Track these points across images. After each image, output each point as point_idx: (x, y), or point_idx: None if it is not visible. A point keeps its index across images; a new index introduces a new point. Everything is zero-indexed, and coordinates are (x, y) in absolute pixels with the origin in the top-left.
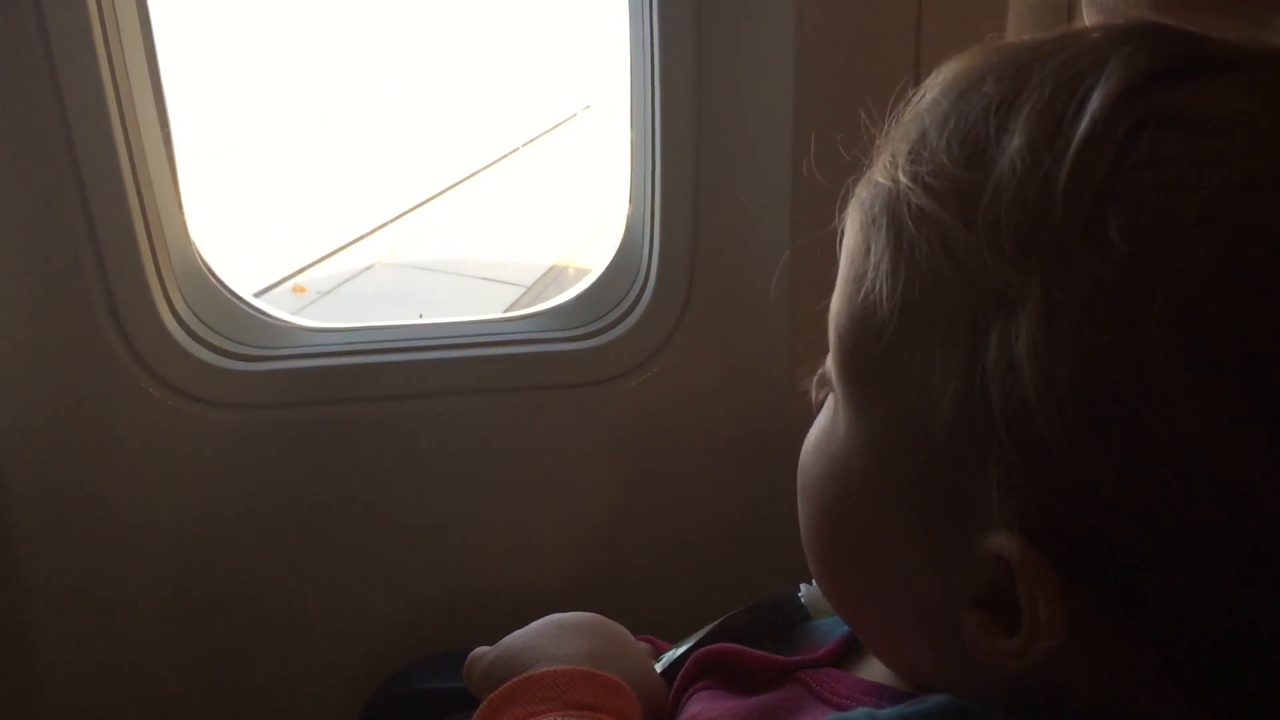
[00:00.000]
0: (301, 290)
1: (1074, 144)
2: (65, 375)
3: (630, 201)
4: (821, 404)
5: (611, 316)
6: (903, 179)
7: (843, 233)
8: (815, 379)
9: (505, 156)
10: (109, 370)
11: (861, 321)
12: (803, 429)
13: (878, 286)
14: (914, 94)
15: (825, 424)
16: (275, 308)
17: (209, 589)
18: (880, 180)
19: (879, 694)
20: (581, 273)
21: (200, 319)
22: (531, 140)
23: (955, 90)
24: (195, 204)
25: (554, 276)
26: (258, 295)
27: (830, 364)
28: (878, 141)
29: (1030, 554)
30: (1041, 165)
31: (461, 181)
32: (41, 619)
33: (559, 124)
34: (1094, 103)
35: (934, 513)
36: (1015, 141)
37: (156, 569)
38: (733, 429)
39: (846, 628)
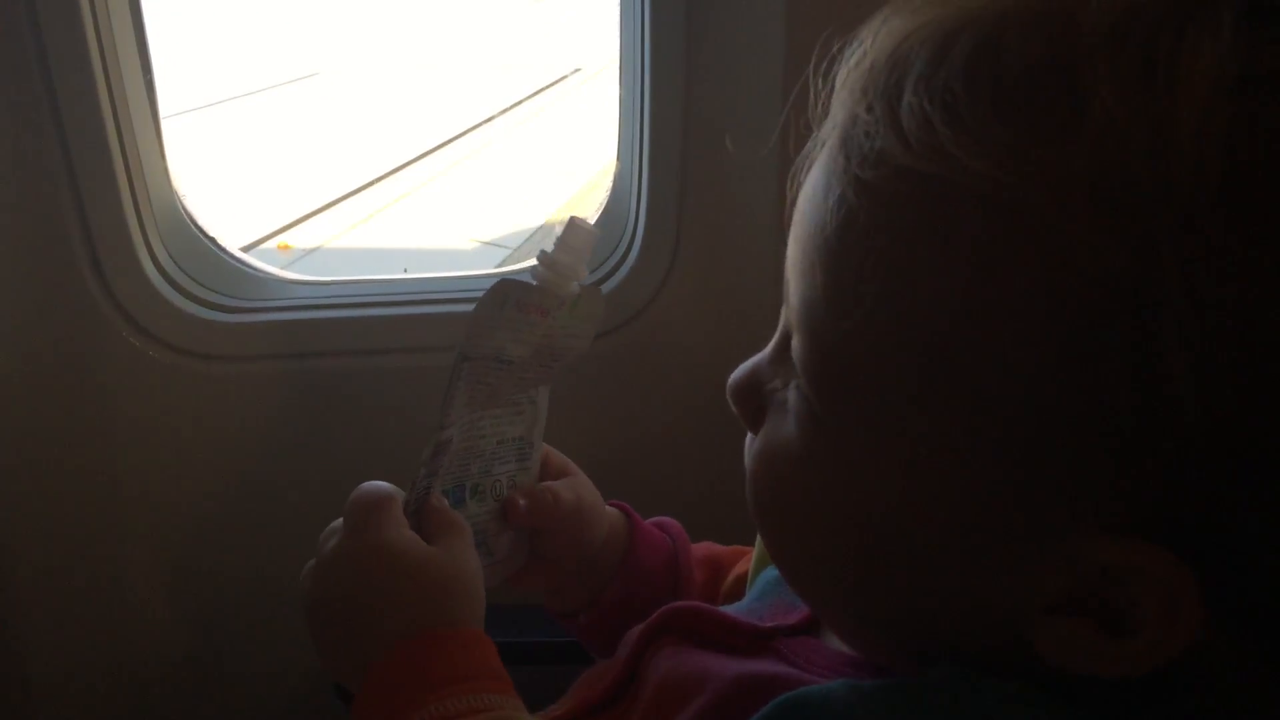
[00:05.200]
0: (286, 248)
1: (1189, 110)
2: (45, 325)
3: (618, 158)
4: (757, 414)
5: (599, 273)
6: (946, 158)
7: (792, 225)
8: (738, 386)
9: (492, 118)
10: (89, 320)
11: (884, 333)
12: None
13: (920, 289)
14: (854, 46)
15: (802, 446)
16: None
17: (190, 541)
18: (899, 159)
19: (859, 667)
20: None
21: (183, 269)
22: (519, 102)
23: (963, 45)
24: (179, 159)
25: (541, 237)
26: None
27: (811, 376)
28: (826, 96)
29: (1166, 557)
30: (1149, 137)
31: (448, 142)
32: (24, 573)
33: (546, 86)
34: (1199, 59)
35: (1002, 526)
36: (1103, 109)
37: (138, 520)
38: (719, 383)
39: None
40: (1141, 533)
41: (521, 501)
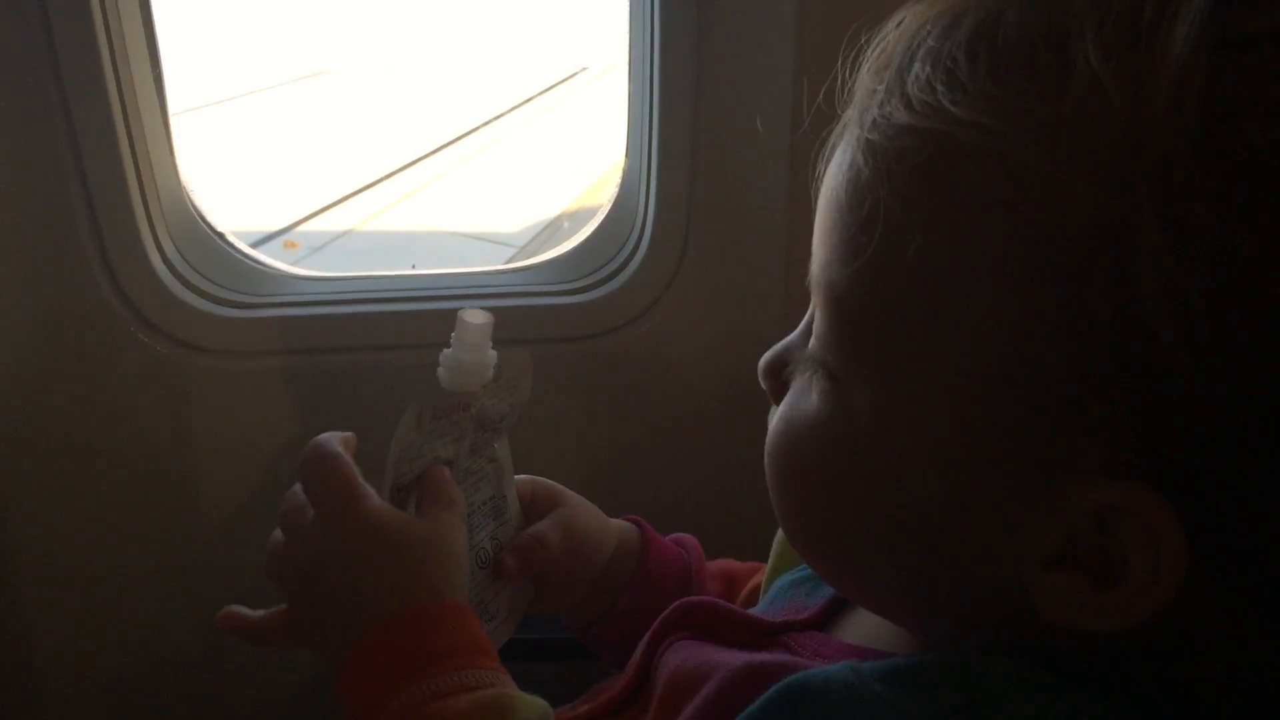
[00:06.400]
0: (293, 245)
1: (1166, 66)
2: (53, 319)
3: (627, 155)
4: (782, 390)
5: (607, 270)
6: (943, 114)
7: (819, 186)
8: (766, 363)
9: (500, 116)
10: (97, 315)
11: (888, 282)
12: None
13: (918, 238)
14: (879, 35)
15: (819, 409)
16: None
17: (197, 538)
18: (902, 119)
19: (863, 658)
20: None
21: (191, 264)
22: (526, 100)
23: (968, 22)
24: (188, 156)
25: (549, 234)
26: None
27: (826, 340)
28: (852, 84)
29: (1150, 498)
30: (1130, 90)
31: (456, 140)
32: (30, 570)
33: (552, 85)
34: (1177, 24)
35: (1002, 475)
36: (1087, 68)
37: (145, 516)
38: (727, 383)
39: (830, 590)
40: (1128, 475)
41: (510, 560)
